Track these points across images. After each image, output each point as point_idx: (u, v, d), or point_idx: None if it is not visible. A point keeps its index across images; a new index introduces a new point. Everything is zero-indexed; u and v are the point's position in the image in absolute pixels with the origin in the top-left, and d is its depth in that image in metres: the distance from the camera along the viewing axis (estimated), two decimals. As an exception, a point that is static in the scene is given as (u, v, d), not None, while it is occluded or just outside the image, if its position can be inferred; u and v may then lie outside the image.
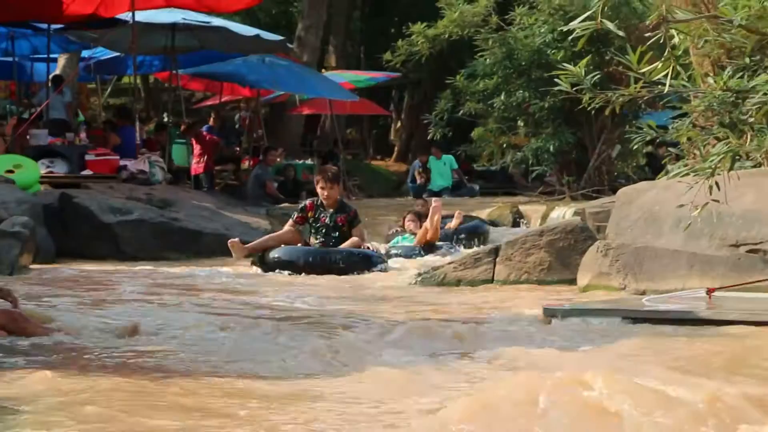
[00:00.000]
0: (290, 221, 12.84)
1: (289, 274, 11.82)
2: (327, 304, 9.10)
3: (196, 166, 20.94)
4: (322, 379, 5.44)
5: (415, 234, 14.09)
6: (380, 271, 12.05)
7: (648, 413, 4.01)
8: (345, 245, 12.36)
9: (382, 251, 13.22)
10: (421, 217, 14.35)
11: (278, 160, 23.94)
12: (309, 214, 12.63)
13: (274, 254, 12.22)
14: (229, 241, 12.61)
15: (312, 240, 12.67)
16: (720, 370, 5.49)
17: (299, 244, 12.57)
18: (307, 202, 12.94)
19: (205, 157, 20.95)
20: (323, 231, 12.56)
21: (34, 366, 5.76)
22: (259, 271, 12.20)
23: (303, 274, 11.77)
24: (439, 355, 6.23)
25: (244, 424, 4.42)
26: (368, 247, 12.73)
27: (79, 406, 4.68)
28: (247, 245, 12.58)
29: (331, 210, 12.61)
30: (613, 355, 6.04)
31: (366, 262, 12.15)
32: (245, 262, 12.67)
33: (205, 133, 22.20)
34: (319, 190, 12.66)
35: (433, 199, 14.46)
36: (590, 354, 6.19)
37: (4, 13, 18.75)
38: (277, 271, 11.99)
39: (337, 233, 12.54)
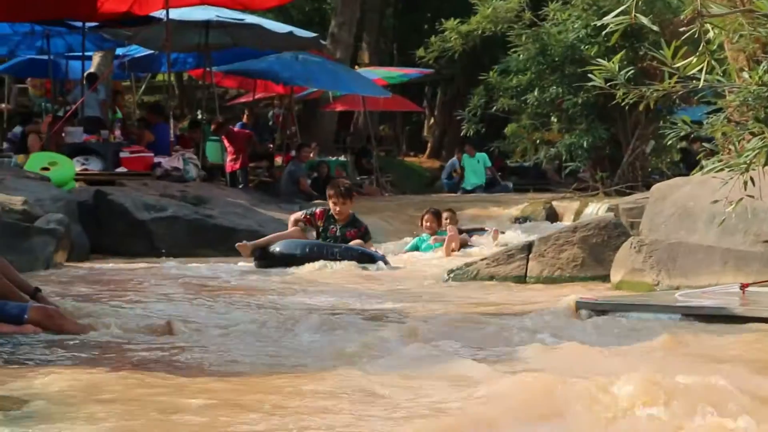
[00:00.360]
0: (295, 219, 12.58)
1: (290, 267, 11.63)
2: (366, 301, 9.07)
3: (231, 164, 20.98)
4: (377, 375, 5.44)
5: (432, 233, 14.05)
6: (382, 263, 11.86)
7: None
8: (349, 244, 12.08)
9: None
10: (439, 216, 14.35)
11: (311, 156, 23.98)
12: (318, 223, 12.33)
13: (274, 248, 12.02)
14: (237, 244, 12.35)
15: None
16: (752, 365, 5.46)
17: None
18: (317, 210, 12.57)
19: (240, 154, 20.99)
20: (331, 242, 12.14)
21: (68, 362, 5.80)
22: (254, 266, 12.05)
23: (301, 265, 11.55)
24: (478, 349, 6.22)
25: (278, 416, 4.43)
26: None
27: (107, 401, 4.70)
28: (251, 243, 12.33)
29: (342, 224, 12.28)
30: (645, 353, 6.02)
31: (364, 257, 11.86)
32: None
33: (235, 128, 22.26)
34: (330, 205, 12.27)
35: (449, 227, 14.07)
36: (621, 351, 6.16)
37: (39, 11, 18.87)
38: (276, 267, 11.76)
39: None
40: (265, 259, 12.02)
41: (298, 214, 12.68)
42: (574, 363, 5.44)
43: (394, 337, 6.56)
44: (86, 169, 17.10)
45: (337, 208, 12.11)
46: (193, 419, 4.39)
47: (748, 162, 7.10)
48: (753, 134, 7.54)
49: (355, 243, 12.09)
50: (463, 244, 13.80)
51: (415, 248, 14.08)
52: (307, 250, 11.81)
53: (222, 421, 4.36)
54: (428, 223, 14.20)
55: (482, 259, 11.18)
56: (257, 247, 12.24)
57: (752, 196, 7.27)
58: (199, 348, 6.32)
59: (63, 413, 4.48)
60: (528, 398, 4.48)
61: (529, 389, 4.57)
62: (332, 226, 12.16)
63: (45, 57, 22.85)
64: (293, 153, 22.77)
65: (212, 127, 22.11)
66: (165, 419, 4.41)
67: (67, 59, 23.71)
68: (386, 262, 12.05)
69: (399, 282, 10.91)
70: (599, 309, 7.82)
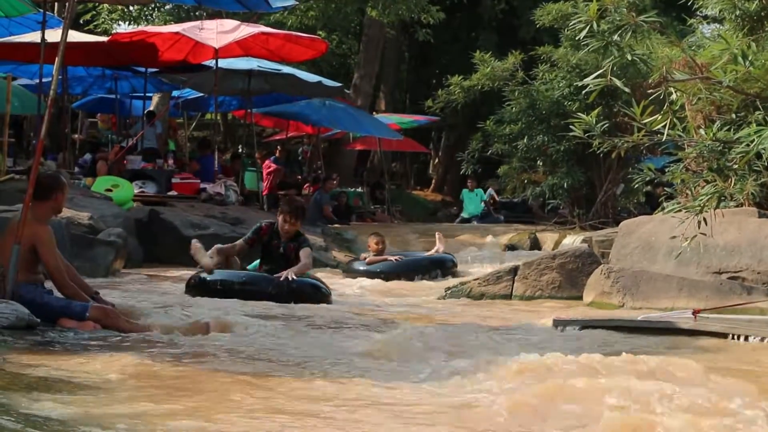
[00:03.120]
0: (242, 241, 10.22)
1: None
2: (365, 313, 9.06)
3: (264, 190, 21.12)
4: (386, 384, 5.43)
5: (375, 251, 13.29)
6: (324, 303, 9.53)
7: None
8: (293, 270, 9.51)
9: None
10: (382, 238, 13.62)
11: (335, 183, 24.04)
12: (264, 237, 10.06)
13: (212, 277, 9.62)
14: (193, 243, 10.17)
15: (261, 266, 10.13)
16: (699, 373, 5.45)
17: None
18: (264, 224, 10.22)
19: (267, 182, 21.20)
20: (274, 258, 9.97)
21: (120, 353, 5.82)
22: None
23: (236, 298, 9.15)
24: (472, 356, 6.21)
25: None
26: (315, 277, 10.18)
27: (152, 389, 4.72)
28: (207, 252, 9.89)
29: (286, 239, 9.99)
30: (611, 360, 6.02)
31: (303, 294, 9.44)
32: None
33: (269, 163, 22.33)
34: (280, 221, 9.96)
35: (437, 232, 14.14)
36: (593, 359, 6.16)
37: (110, 59, 19.00)
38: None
39: (288, 263, 9.79)
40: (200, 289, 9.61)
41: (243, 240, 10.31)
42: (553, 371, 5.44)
43: (400, 342, 6.55)
44: (143, 192, 17.12)
45: (286, 227, 9.90)
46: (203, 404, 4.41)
47: (701, 205, 7.11)
48: (707, 182, 7.56)
49: (297, 269, 9.56)
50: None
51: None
52: (246, 282, 9.55)
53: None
54: (372, 243, 13.38)
55: (475, 279, 11.18)
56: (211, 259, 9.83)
57: (705, 234, 7.28)
58: (227, 349, 6.34)
59: (110, 395, 4.50)
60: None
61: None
62: (275, 241, 9.97)
63: (113, 96, 22.92)
64: (320, 184, 22.75)
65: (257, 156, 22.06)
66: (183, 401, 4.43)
67: (131, 99, 23.77)
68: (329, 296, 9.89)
69: (401, 298, 10.90)
70: (573, 325, 7.82)
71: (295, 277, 9.41)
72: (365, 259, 13.40)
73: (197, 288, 9.60)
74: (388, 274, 12.90)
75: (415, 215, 27.54)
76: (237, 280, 9.55)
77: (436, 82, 27.37)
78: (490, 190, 26.74)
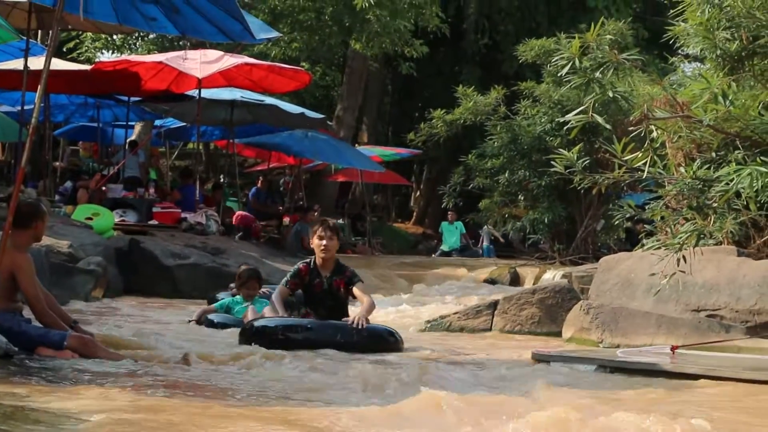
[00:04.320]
0: (282, 288, 8.82)
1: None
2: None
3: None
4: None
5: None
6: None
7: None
8: (362, 314, 8.33)
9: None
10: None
11: (316, 214, 24.03)
12: (305, 278, 8.78)
13: (272, 325, 8.34)
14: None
15: (305, 310, 8.80)
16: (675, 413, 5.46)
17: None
18: (301, 265, 8.83)
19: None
20: (318, 299, 8.77)
21: (97, 383, 5.79)
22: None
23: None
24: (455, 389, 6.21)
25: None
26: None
27: (129, 421, 4.70)
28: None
29: (327, 273, 8.75)
30: (587, 397, 6.03)
31: (376, 343, 8.27)
32: None
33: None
34: (316, 243, 8.74)
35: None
36: (568, 394, 6.17)
37: (93, 87, 19.01)
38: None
39: (335, 301, 8.78)
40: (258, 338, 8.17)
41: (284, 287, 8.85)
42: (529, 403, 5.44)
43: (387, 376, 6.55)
44: (123, 221, 17.09)
45: (325, 243, 8.65)
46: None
47: (681, 242, 7.14)
48: (686, 219, 7.59)
49: (364, 309, 8.44)
50: None
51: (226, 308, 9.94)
52: (311, 329, 8.25)
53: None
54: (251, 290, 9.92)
55: (455, 313, 11.17)
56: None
57: (684, 272, 7.31)
58: (204, 377, 6.33)
59: (84, 427, 4.48)
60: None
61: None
62: (317, 279, 8.74)
63: (95, 124, 22.92)
64: (300, 214, 22.73)
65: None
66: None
67: (113, 127, 23.78)
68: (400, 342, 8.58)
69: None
70: (552, 360, 7.83)
71: (366, 323, 8.23)
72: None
73: (255, 337, 8.15)
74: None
75: (396, 247, 27.55)
76: (300, 327, 8.23)
77: (419, 115, 27.44)
78: (488, 228, 25.89)
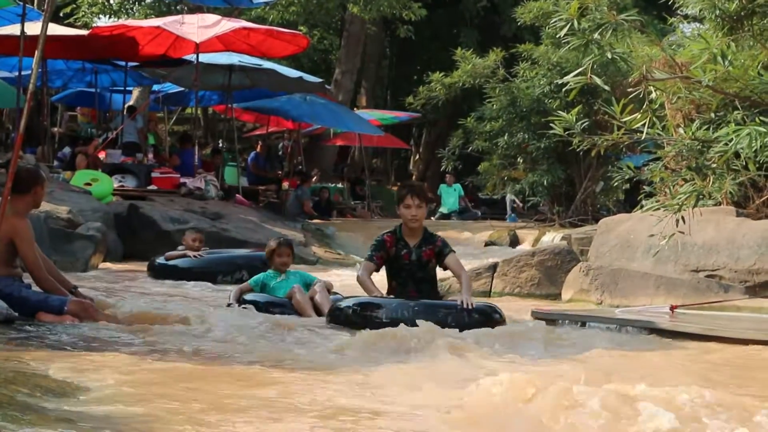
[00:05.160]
0: (368, 263, 7.95)
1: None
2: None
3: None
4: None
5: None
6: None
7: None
8: (466, 294, 7.53)
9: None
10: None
11: (315, 179, 24.02)
12: (391, 251, 7.95)
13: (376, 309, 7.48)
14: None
15: (391, 284, 8.04)
16: (671, 370, 5.48)
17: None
18: (386, 235, 7.99)
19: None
20: (406, 271, 7.97)
21: (98, 346, 5.80)
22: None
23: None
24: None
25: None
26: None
27: (132, 383, 4.72)
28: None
29: (415, 243, 7.96)
30: (590, 355, 6.07)
31: (483, 322, 7.38)
32: None
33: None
34: (404, 211, 7.96)
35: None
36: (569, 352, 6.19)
37: (90, 52, 18.93)
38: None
39: (424, 273, 8.00)
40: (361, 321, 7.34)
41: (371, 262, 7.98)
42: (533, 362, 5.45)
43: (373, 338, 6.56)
44: (122, 186, 17.08)
45: (413, 212, 7.88)
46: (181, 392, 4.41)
47: (680, 203, 7.15)
48: (685, 180, 7.59)
49: (465, 278, 7.82)
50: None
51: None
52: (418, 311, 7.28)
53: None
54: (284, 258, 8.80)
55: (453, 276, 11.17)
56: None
57: (683, 232, 7.32)
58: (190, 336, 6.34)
59: (86, 393, 4.49)
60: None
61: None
62: (404, 251, 7.92)
63: (92, 90, 22.85)
64: (300, 179, 22.73)
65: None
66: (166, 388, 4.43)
67: (111, 92, 23.70)
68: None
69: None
70: (551, 318, 7.84)
71: (473, 303, 7.45)
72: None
73: (359, 320, 7.38)
74: (185, 272, 11.22)
75: (396, 211, 27.53)
76: (406, 310, 7.32)
77: (418, 78, 27.39)
78: (512, 196, 25.01)
